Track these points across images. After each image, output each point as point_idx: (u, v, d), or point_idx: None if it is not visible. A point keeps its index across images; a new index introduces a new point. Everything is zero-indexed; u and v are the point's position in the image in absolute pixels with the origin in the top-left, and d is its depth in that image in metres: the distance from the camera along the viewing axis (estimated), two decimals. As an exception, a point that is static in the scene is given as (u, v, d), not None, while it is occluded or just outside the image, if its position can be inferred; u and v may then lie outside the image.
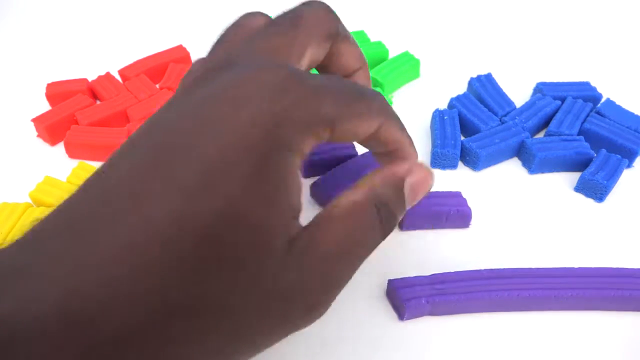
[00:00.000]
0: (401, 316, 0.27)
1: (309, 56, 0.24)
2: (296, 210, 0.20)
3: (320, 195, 0.33)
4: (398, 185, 0.23)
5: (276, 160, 0.19)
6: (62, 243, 0.17)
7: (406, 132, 0.25)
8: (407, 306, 0.27)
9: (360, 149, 0.35)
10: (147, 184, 0.18)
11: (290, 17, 0.24)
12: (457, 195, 0.32)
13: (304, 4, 0.25)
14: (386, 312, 0.28)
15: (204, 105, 0.20)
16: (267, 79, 0.20)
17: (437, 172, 0.35)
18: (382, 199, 0.22)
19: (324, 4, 0.26)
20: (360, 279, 0.28)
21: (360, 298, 0.28)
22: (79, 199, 0.19)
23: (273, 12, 0.27)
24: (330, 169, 0.33)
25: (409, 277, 0.28)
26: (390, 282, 0.28)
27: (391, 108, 0.24)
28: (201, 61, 0.26)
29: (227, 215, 0.18)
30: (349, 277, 0.21)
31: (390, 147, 0.25)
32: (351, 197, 0.22)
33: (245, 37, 0.25)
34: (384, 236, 0.22)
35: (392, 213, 0.23)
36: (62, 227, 0.18)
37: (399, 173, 0.24)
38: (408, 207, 0.24)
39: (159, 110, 0.21)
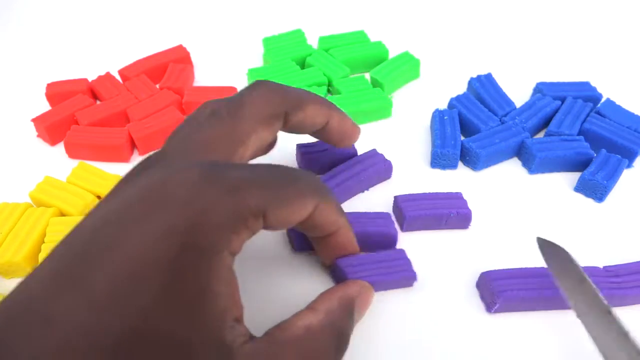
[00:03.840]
0: (490, 308, 0.27)
1: (253, 142, 0.24)
2: (230, 314, 0.19)
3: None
4: (351, 308, 0.24)
5: (195, 268, 0.18)
6: None
7: (343, 214, 0.25)
8: (498, 298, 0.26)
9: (361, 149, 0.35)
10: (58, 299, 0.17)
11: (231, 107, 0.24)
12: (457, 196, 0.32)
13: (246, 89, 0.26)
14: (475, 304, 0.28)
15: (119, 213, 0.19)
16: (182, 180, 0.20)
17: (437, 172, 0.36)
18: (339, 325, 0.23)
19: (267, 85, 0.26)
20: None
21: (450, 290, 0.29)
22: None
23: (272, 12, 0.27)
24: (331, 168, 0.33)
25: (501, 270, 0.28)
26: (483, 274, 0.28)
27: (327, 190, 0.24)
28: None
29: (139, 331, 0.17)
30: None
31: (326, 230, 0.25)
32: (306, 320, 0.21)
33: (189, 130, 0.25)
34: (338, 359, 0.22)
35: (346, 337, 0.23)
36: None
37: (351, 295, 0.24)
38: (354, 325, 0.24)
39: (93, 208, 0.21)
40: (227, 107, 0.24)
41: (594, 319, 0.23)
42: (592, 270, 0.28)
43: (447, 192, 0.32)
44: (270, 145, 0.29)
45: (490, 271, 0.28)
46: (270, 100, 0.25)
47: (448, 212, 0.31)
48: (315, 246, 0.27)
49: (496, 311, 0.27)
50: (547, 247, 0.27)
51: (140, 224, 0.19)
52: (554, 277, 0.26)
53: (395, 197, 0.32)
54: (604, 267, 0.28)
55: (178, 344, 0.18)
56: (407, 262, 0.28)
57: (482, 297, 0.28)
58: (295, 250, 0.30)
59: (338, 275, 0.28)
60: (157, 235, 0.18)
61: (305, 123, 0.27)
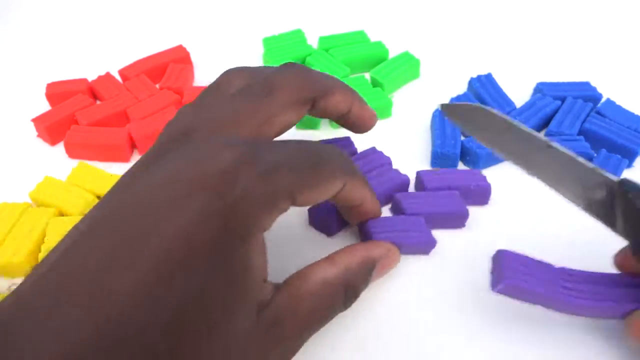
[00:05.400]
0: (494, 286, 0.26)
1: (278, 125, 0.25)
2: (262, 278, 0.21)
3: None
4: (370, 268, 0.25)
5: (234, 248, 0.19)
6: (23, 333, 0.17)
7: (368, 187, 0.27)
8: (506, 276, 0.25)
9: (361, 149, 0.35)
10: (103, 279, 0.17)
11: (262, 86, 0.25)
12: (452, 193, 0.32)
13: (279, 69, 0.26)
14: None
15: (157, 190, 0.20)
16: (218, 160, 0.20)
17: (437, 172, 0.36)
18: (353, 282, 0.24)
19: (300, 68, 0.26)
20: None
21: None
22: (37, 288, 0.18)
23: (272, 12, 0.27)
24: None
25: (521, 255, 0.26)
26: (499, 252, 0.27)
27: (353, 166, 0.25)
28: (171, 125, 0.25)
29: (186, 312, 0.18)
30: (304, 343, 0.22)
31: (352, 203, 0.26)
32: (324, 272, 0.23)
33: (216, 102, 0.25)
34: (343, 310, 0.24)
35: (356, 293, 0.24)
36: (21, 317, 0.17)
37: (374, 256, 0.25)
38: (370, 283, 0.25)
39: (118, 185, 0.21)
40: (256, 87, 0.25)
41: (536, 157, 0.24)
42: (545, 267, 0.26)
43: (444, 190, 0.32)
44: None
45: (510, 252, 0.26)
46: (300, 85, 0.25)
47: (468, 184, 0.32)
48: (340, 210, 0.29)
49: (499, 292, 0.25)
50: (454, 111, 0.27)
51: (179, 206, 0.19)
52: (476, 138, 0.26)
53: (395, 195, 0.32)
54: (561, 267, 0.26)
55: (219, 321, 0.19)
56: (426, 229, 0.29)
57: (491, 272, 0.26)
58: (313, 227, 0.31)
59: (365, 235, 0.29)
60: (196, 217, 0.19)
61: (330, 109, 0.27)
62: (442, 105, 0.27)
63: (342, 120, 0.29)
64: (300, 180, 0.21)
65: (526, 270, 0.25)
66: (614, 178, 0.23)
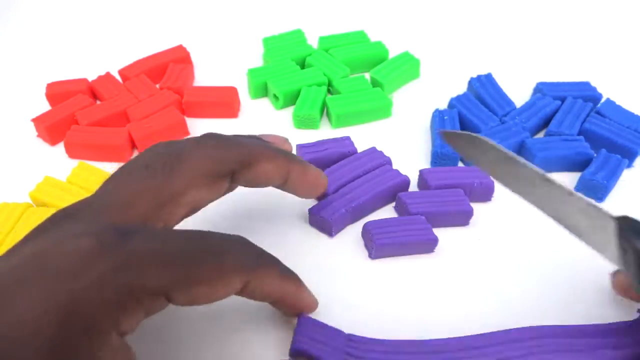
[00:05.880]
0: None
1: (187, 200, 0.22)
2: None
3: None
4: None
5: (73, 350, 0.17)
6: None
7: (289, 278, 0.23)
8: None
9: (361, 149, 0.35)
10: None
11: (167, 161, 0.22)
12: (459, 193, 0.32)
13: (191, 141, 0.24)
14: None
15: (5, 278, 0.18)
16: (71, 249, 0.18)
17: (437, 172, 0.35)
18: None
19: (214, 140, 0.24)
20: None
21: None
22: None
23: (272, 12, 0.27)
24: (330, 165, 0.34)
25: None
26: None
27: (260, 259, 0.22)
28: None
29: None
30: None
31: (268, 299, 0.23)
32: None
33: (116, 182, 0.23)
34: None
35: None
36: None
37: None
38: None
39: None
40: (163, 161, 0.23)
41: (533, 189, 0.24)
42: (336, 333, 0.25)
43: (448, 189, 0.32)
44: (224, 193, 0.26)
45: (308, 318, 0.26)
46: (213, 158, 0.23)
47: (472, 182, 0.32)
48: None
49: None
50: (456, 139, 0.26)
51: (19, 297, 0.17)
52: (477, 166, 0.26)
53: (399, 195, 0.32)
54: (349, 334, 0.25)
55: None
56: (427, 226, 0.30)
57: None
58: None
59: (367, 237, 0.30)
60: (36, 311, 0.17)
61: (257, 181, 0.25)
62: (441, 132, 0.26)
63: (283, 187, 0.27)
64: (175, 276, 0.19)
65: (318, 338, 0.24)
66: (612, 215, 0.23)
